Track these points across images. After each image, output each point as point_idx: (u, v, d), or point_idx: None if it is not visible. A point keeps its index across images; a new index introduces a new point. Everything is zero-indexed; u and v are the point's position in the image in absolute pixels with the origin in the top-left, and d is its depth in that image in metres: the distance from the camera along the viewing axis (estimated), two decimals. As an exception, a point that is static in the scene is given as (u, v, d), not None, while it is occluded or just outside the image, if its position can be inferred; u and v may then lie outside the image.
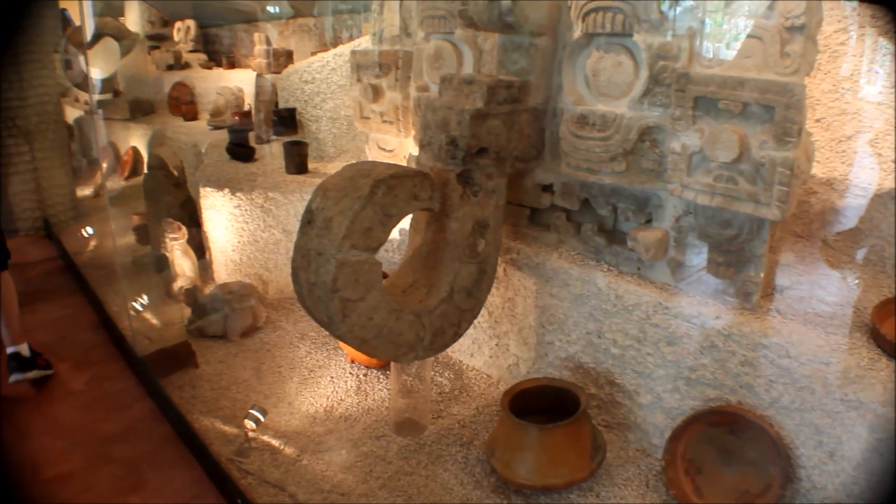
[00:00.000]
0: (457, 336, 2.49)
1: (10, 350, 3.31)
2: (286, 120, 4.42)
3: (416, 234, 2.44)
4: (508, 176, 2.52)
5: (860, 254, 2.72)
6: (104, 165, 6.45)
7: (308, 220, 2.08)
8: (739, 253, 2.26)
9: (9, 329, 3.29)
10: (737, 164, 2.11)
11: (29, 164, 5.47)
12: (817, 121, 2.76)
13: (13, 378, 3.28)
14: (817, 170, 2.76)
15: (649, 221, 2.51)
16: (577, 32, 2.48)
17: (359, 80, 3.31)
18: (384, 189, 2.01)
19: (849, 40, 2.69)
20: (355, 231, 1.98)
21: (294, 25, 6.30)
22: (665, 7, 2.27)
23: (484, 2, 2.42)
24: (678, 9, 2.25)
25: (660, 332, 2.40)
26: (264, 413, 2.72)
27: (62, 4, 7.01)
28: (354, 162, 2.22)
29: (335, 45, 5.40)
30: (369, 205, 1.99)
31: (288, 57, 5.32)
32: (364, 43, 3.92)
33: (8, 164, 5.39)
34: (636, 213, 2.52)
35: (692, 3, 2.24)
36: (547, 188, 2.75)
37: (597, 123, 2.41)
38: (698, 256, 2.39)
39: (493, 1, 2.41)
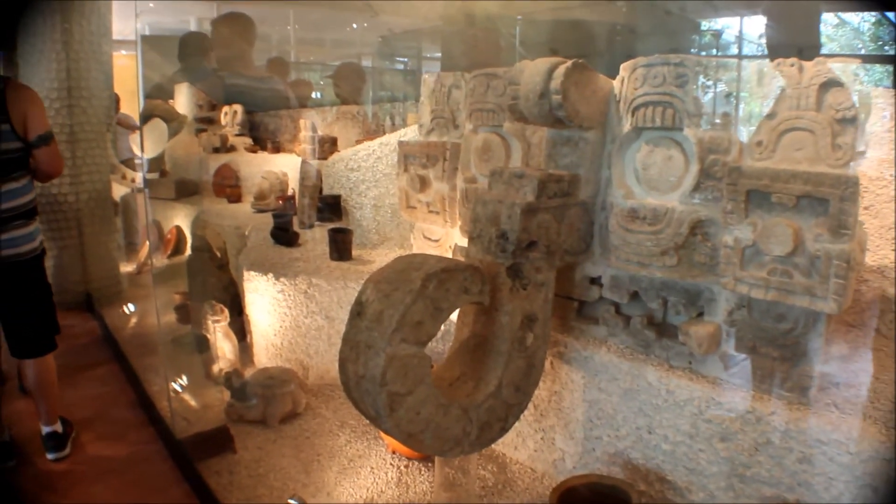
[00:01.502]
0: (503, 431, 2.43)
1: (46, 430, 3.31)
2: (331, 207, 4.47)
3: (463, 327, 2.42)
4: (557, 269, 2.50)
5: (916, 344, 2.64)
6: (148, 243, 6.56)
7: (357, 311, 2.07)
8: (794, 347, 2.20)
9: (47, 409, 3.29)
10: (791, 258, 2.08)
11: (76, 238, 5.58)
12: (866, 208, 2.73)
13: (51, 457, 3.28)
14: (868, 257, 2.71)
15: (701, 315, 2.47)
16: (627, 126, 2.49)
17: (405, 169, 3.36)
18: (435, 283, 2.01)
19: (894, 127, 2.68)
20: (406, 324, 1.96)
21: (338, 112, 6.45)
22: (714, 102, 2.29)
23: (534, 97, 2.46)
24: (727, 103, 2.27)
25: (713, 427, 2.33)
26: (303, 504, 2.67)
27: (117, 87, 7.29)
28: (404, 254, 2.22)
29: (379, 133, 5.50)
30: (420, 298, 1.98)
31: (332, 143, 5.43)
32: (410, 132, 3.99)
33: (57, 239, 5.50)
34: (687, 306, 2.48)
35: (742, 97, 2.26)
36: (595, 281, 2.72)
37: (647, 217, 2.40)
38: (752, 351, 2.34)
39: (544, 97, 2.45)
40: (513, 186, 2.37)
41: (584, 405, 2.73)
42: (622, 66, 2.57)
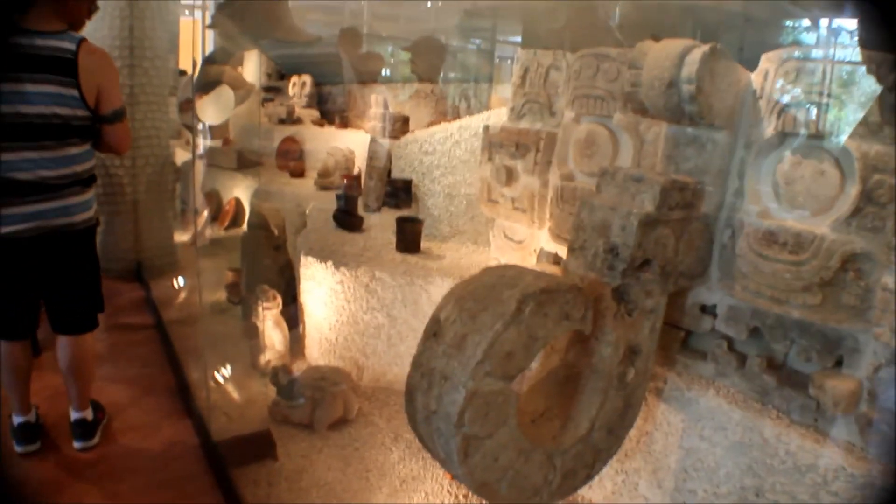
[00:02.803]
0: (588, 479, 2.07)
1: (75, 416, 3.03)
2: (401, 192, 4.12)
3: (552, 353, 2.04)
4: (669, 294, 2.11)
5: None
6: (205, 213, 6.33)
7: (434, 332, 1.71)
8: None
9: (79, 392, 3.01)
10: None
11: (130, 205, 5.34)
12: None
13: (78, 446, 3.00)
14: None
15: (838, 365, 2.05)
16: (769, 130, 2.07)
17: (490, 158, 2.98)
18: (532, 306, 1.63)
19: None
20: (494, 355, 1.60)
21: (413, 90, 6.10)
22: (884, 108, 1.86)
23: (661, 85, 2.05)
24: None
25: (838, 502, 1.92)
26: (348, 536, 2.33)
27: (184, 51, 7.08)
28: (495, 265, 1.85)
29: (455, 115, 5.14)
30: (514, 324, 1.61)
31: (404, 122, 5.08)
32: (494, 117, 3.60)
33: (110, 204, 5.27)
34: (822, 354, 2.06)
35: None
36: (708, 310, 2.31)
37: (788, 243, 1.98)
38: (896, 416, 1.92)
39: (673, 86, 2.04)
40: (628, 192, 1.97)
41: (679, 452, 2.34)
42: (765, 57, 2.16)
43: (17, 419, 2.99)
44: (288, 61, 7.38)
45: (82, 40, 2.74)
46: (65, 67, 2.66)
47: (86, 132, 2.80)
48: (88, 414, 3.05)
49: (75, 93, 2.69)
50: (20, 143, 2.66)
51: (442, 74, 6.74)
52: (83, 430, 3.02)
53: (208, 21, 6.97)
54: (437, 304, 1.76)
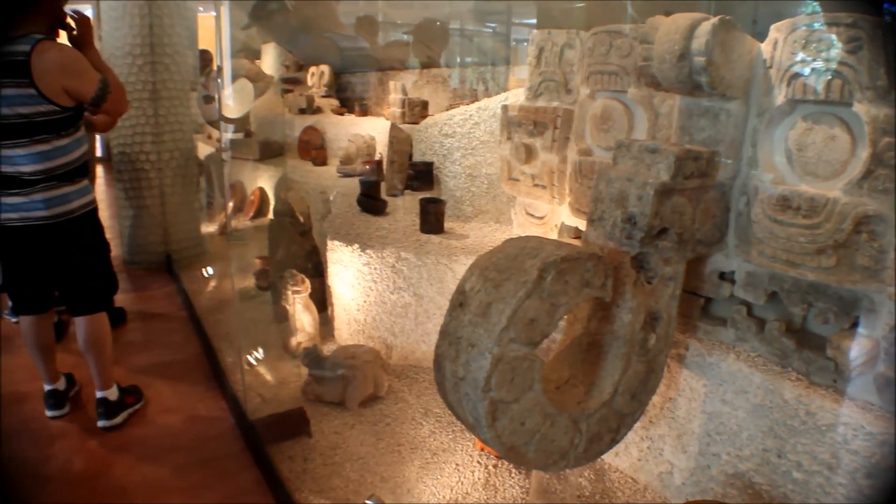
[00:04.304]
0: (613, 443, 2.13)
1: (98, 395, 3.19)
2: (423, 174, 4.19)
3: (575, 322, 2.11)
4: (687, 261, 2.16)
5: None
6: (230, 205, 6.43)
7: (460, 302, 1.78)
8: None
9: (99, 372, 3.17)
10: None
11: (157, 198, 5.47)
12: None
13: (101, 424, 3.16)
14: None
15: (854, 326, 2.09)
16: (780, 98, 2.11)
17: (509, 137, 3.03)
18: (554, 274, 1.70)
19: None
20: (517, 322, 1.66)
21: (428, 76, 6.15)
22: (894, 73, 1.90)
23: (672, 58, 2.10)
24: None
25: (858, 461, 1.96)
26: (382, 505, 2.42)
27: (202, 45, 7.17)
28: (517, 237, 1.91)
29: (469, 98, 5.19)
30: (536, 292, 1.67)
31: (423, 107, 5.14)
32: (512, 97, 3.65)
33: (139, 197, 5.40)
34: (839, 315, 2.10)
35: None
36: (726, 276, 2.36)
37: (802, 208, 2.02)
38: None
39: (683, 59, 2.09)
40: (644, 163, 2.02)
41: (702, 417, 2.39)
42: (774, 27, 2.19)
43: (46, 387, 3.28)
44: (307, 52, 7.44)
45: (39, 41, 2.80)
46: (18, 69, 2.76)
47: (56, 126, 2.89)
48: (111, 394, 3.21)
49: (32, 91, 2.78)
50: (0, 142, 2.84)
51: (445, 58, 6.76)
52: (106, 408, 3.18)
53: (225, 17, 7.05)
54: (462, 275, 1.83)
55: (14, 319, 4.20)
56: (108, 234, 3.30)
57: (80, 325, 3.14)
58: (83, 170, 3.07)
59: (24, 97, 2.78)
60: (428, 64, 6.46)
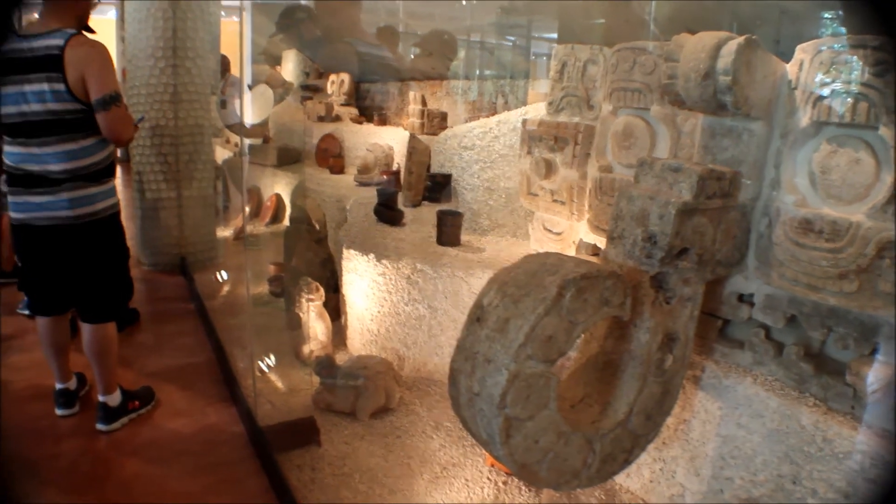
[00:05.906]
0: (626, 464, 2.10)
1: (100, 399, 3.19)
2: (441, 186, 4.18)
3: (591, 340, 2.09)
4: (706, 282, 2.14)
5: None
6: (247, 210, 6.45)
7: (477, 316, 1.77)
8: None
9: (101, 377, 3.17)
10: None
11: (174, 200, 5.49)
12: None
13: (98, 427, 3.16)
14: None
15: (873, 352, 2.06)
16: (804, 120, 2.09)
17: (529, 152, 3.02)
18: (573, 291, 1.68)
19: None
20: (535, 339, 1.65)
21: (447, 87, 6.16)
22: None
23: (697, 77, 2.09)
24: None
25: (875, 489, 1.93)
26: (391, 519, 2.40)
27: (223, 51, 7.20)
28: (536, 252, 1.90)
29: (491, 111, 5.18)
30: (554, 309, 1.66)
31: (442, 119, 5.14)
32: (532, 111, 3.64)
33: (155, 199, 5.42)
34: (859, 341, 2.07)
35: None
36: (745, 298, 2.34)
37: (825, 231, 2.00)
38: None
39: (709, 78, 2.07)
40: (666, 181, 2.01)
41: (716, 440, 2.36)
42: (800, 48, 2.17)
43: (57, 385, 3.29)
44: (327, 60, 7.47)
45: (73, 35, 2.81)
46: (52, 63, 2.76)
47: (82, 125, 2.89)
48: (111, 399, 3.20)
49: (62, 87, 2.78)
50: (25, 140, 2.84)
51: (451, 70, 6.77)
52: (104, 413, 3.18)
53: (247, 22, 7.10)
54: (480, 290, 1.82)
55: (27, 313, 4.23)
56: (126, 236, 3.30)
57: (86, 330, 3.14)
58: (109, 170, 3.08)
59: (56, 93, 2.79)
60: (430, 75, 6.49)
